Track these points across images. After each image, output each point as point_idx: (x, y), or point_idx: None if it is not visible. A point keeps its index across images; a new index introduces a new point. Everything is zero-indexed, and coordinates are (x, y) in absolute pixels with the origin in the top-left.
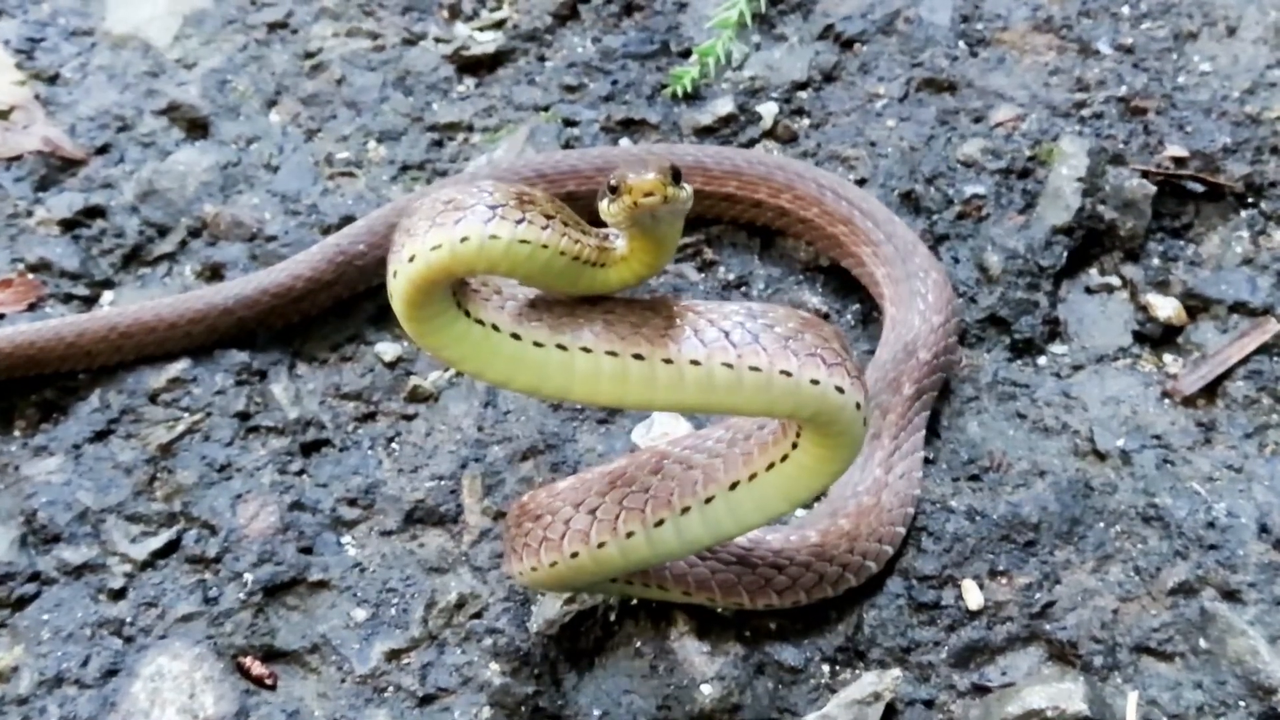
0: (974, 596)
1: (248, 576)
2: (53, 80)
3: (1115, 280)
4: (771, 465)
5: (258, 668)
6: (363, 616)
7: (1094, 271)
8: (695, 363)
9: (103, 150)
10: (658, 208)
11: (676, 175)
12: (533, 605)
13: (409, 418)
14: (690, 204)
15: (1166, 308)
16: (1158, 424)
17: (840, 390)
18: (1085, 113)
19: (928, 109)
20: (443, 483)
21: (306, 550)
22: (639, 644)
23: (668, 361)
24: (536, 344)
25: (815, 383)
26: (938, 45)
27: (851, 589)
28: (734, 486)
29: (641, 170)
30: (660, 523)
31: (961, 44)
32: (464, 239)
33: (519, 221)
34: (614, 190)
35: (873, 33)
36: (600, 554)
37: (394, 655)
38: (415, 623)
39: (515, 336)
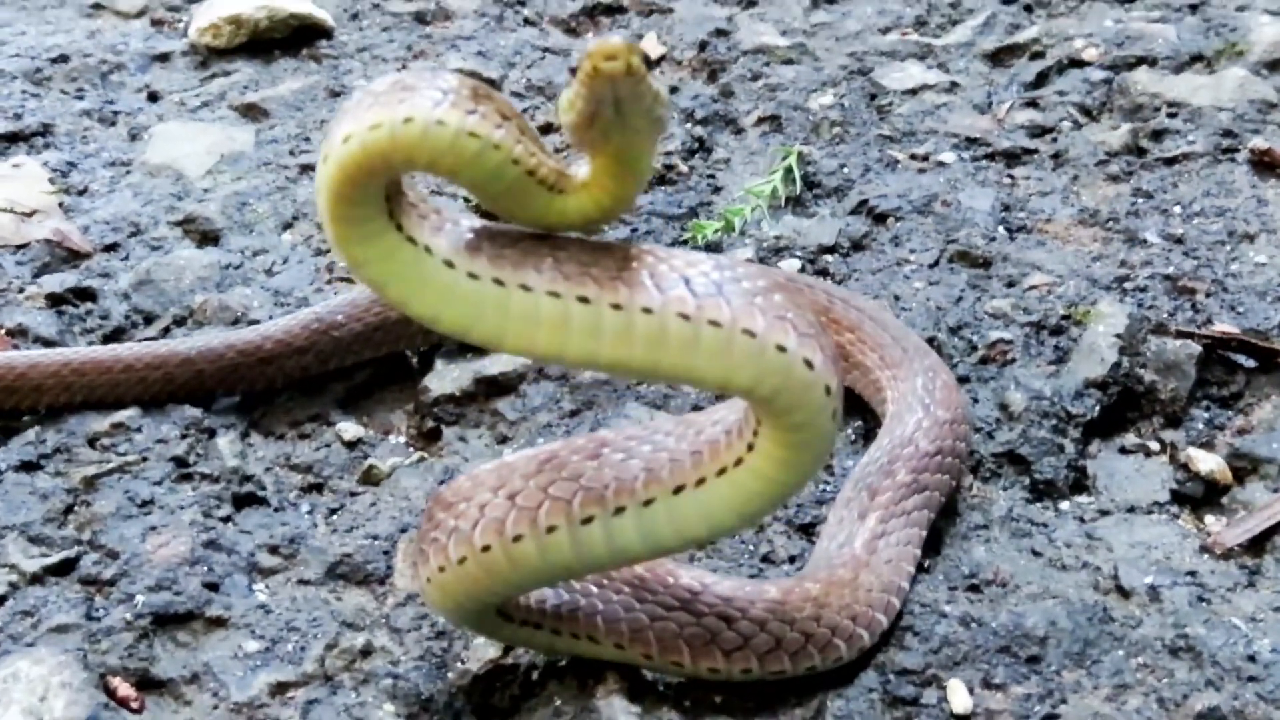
0: (960, 699)
1: (140, 599)
2: (81, 193)
3: (1154, 444)
4: (723, 470)
5: (125, 689)
6: (254, 648)
7: (1130, 435)
8: (648, 310)
9: (111, 248)
10: (621, 79)
11: (649, 62)
12: (449, 672)
13: (356, 494)
14: (664, 112)
15: (1209, 462)
16: (1194, 566)
17: (809, 365)
18: (1128, 285)
19: (958, 275)
20: (376, 542)
21: (212, 587)
22: (559, 703)
23: (616, 307)
24: (471, 275)
25: (782, 349)
26: (975, 226)
27: (815, 672)
28: (679, 491)
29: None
30: (589, 520)
31: (1001, 229)
32: (407, 120)
33: (471, 113)
34: (573, 73)
35: (908, 211)
36: (515, 550)
37: (279, 689)
38: (311, 660)
39: (449, 264)
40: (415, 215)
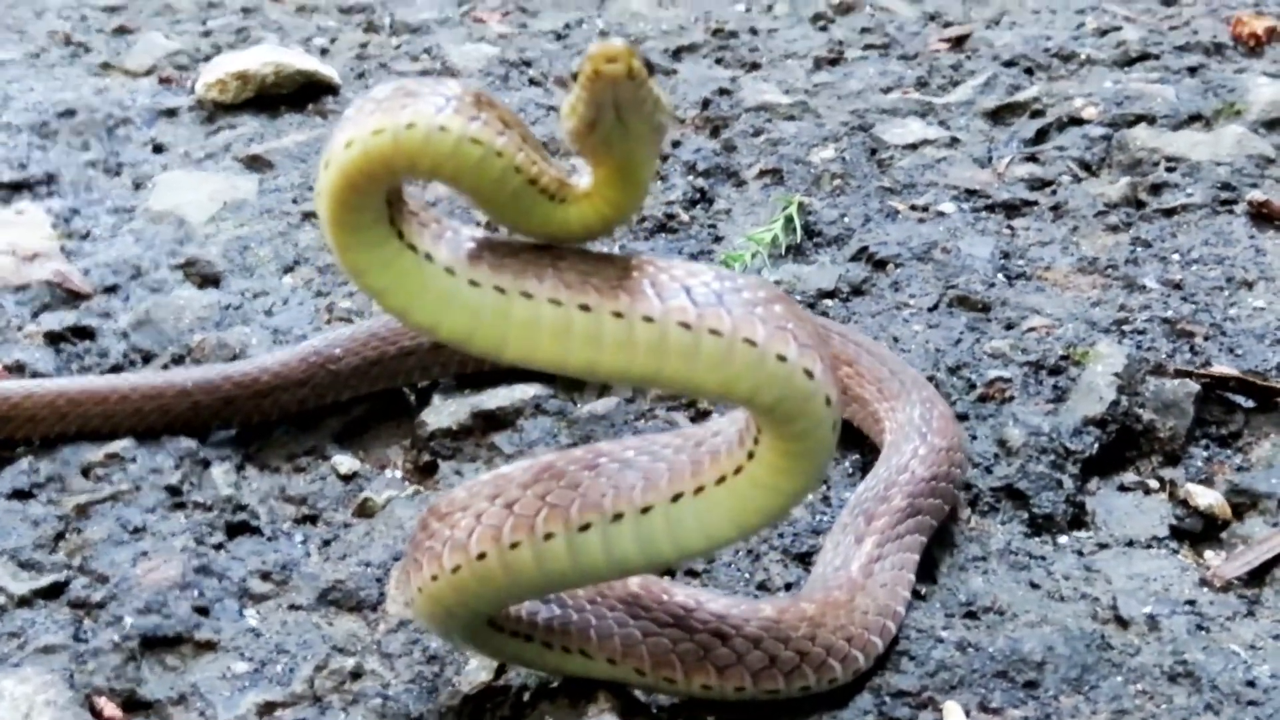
0: None
1: (128, 621)
2: (83, 238)
3: (1153, 482)
4: (723, 479)
5: (111, 709)
6: (242, 670)
7: (1129, 473)
8: (649, 319)
9: (111, 289)
10: (622, 83)
11: (650, 67)
12: (440, 694)
13: (350, 525)
14: (665, 119)
15: (1208, 498)
16: (1193, 597)
17: (809, 375)
18: (1127, 328)
19: (957, 319)
20: (369, 569)
21: (202, 611)
22: None
23: (617, 315)
24: (472, 283)
25: (782, 359)
26: (975, 273)
27: (809, 692)
28: (677, 499)
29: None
30: (586, 527)
31: (1000, 276)
32: (410, 125)
33: (473, 119)
34: (574, 78)
35: (908, 258)
36: (512, 558)
37: (267, 709)
38: (300, 681)
39: (450, 272)
40: (416, 223)
